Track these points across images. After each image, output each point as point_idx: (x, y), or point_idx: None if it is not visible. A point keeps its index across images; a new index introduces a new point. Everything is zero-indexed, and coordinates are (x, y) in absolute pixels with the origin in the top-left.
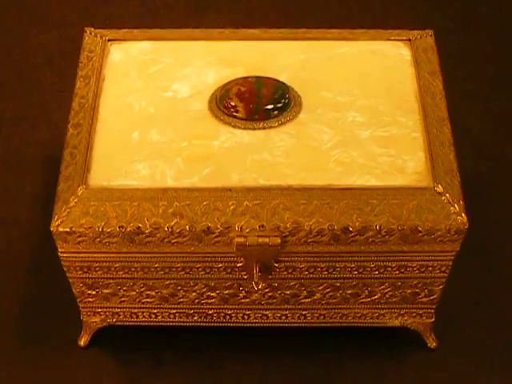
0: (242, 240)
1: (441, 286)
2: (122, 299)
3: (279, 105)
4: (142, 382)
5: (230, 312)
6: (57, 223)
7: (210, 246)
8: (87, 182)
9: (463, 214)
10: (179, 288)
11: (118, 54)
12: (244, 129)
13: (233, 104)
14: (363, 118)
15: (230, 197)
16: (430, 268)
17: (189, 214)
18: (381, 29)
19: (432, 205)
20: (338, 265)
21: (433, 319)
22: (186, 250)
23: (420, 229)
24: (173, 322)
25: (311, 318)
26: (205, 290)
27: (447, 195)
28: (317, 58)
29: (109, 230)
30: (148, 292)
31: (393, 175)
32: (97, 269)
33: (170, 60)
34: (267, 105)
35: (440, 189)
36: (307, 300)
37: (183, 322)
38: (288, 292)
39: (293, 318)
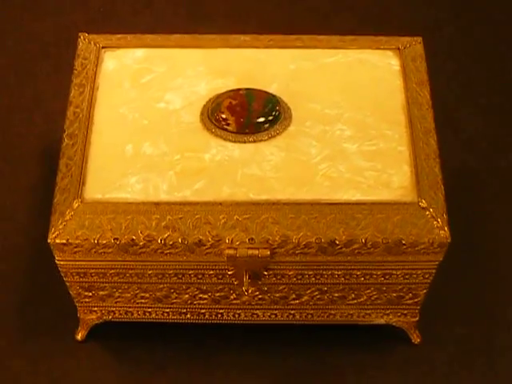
0: (232, 252)
1: (425, 290)
2: (118, 300)
3: (269, 118)
4: (138, 375)
5: (221, 311)
6: (54, 235)
7: (202, 256)
8: (82, 195)
9: (446, 228)
10: (172, 291)
11: (112, 63)
12: (235, 142)
13: (224, 117)
14: (351, 131)
15: (220, 211)
16: (414, 275)
17: (181, 227)
18: (370, 34)
19: (416, 219)
20: (325, 272)
21: (417, 318)
22: (179, 259)
23: (404, 242)
24: (166, 319)
25: (299, 317)
26: (197, 292)
27: (431, 210)
28: (306, 67)
29: (104, 241)
30: (142, 294)
31: (378, 190)
32: (93, 274)
33: (163, 69)
34: (257, 118)
35: (424, 204)
36: (296, 301)
37: (176, 320)
38: (277, 295)
39: (282, 317)
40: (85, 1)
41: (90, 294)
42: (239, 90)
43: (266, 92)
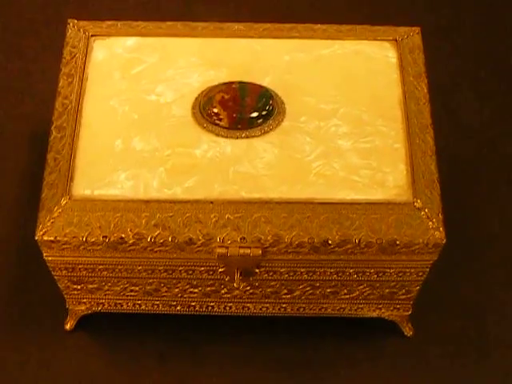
0: (223, 251)
1: (418, 287)
2: (107, 292)
3: (263, 113)
4: (127, 365)
5: (212, 304)
6: (41, 232)
7: (192, 253)
8: (71, 191)
9: (441, 229)
10: (162, 285)
11: (102, 52)
12: (227, 137)
13: (216, 112)
14: (346, 127)
15: (211, 209)
16: (408, 273)
17: (171, 225)
18: (367, 24)
19: (411, 219)
20: (317, 270)
21: (410, 311)
22: (169, 256)
23: (398, 242)
24: (156, 311)
25: (291, 310)
26: (187, 286)
27: (426, 210)
28: (302, 59)
29: (92, 239)
30: (132, 287)
31: (373, 189)
32: (81, 269)
33: (154, 59)
34: (250, 113)
35: (419, 204)
36: (287, 296)
37: (167, 311)
38: (269, 290)
39: (273, 310)
40: None
41: (79, 287)
42: (232, 83)
43: (259, 86)
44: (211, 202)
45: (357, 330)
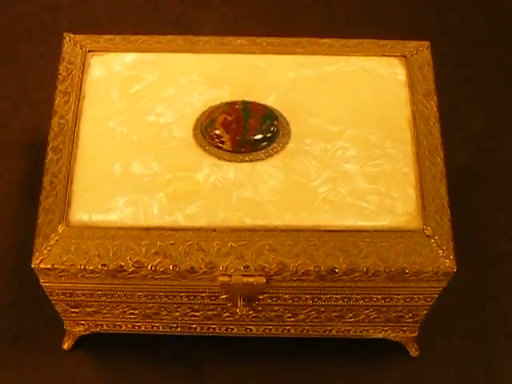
0: (226, 279)
1: (425, 311)
2: (106, 315)
3: (267, 135)
4: None
5: (213, 326)
6: (38, 260)
7: (194, 281)
8: (68, 217)
9: (451, 257)
10: (162, 309)
11: (99, 69)
12: (230, 161)
13: (219, 134)
14: (353, 150)
15: (214, 237)
16: (416, 299)
17: (172, 253)
18: (375, 38)
19: (420, 247)
20: (323, 296)
21: (416, 333)
22: (170, 283)
23: (407, 271)
24: (156, 332)
25: (294, 332)
26: (188, 310)
27: (436, 237)
28: (306, 76)
29: (91, 267)
30: (131, 311)
31: (382, 216)
32: (79, 294)
33: (153, 77)
34: (254, 135)
35: (429, 231)
36: (291, 319)
37: (167, 333)
38: (272, 314)
39: (276, 331)
40: None
41: (77, 310)
42: (235, 103)
43: (263, 106)
44: (214, 230)
45: (361, 349)
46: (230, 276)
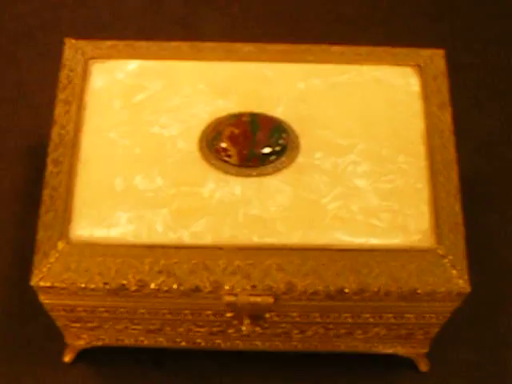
0: (232, 299)
1: (437, 329)
2: (108, 330)
3: (276, 149)
4: None
5: (218, 341)
6: (37, 278)
7: (199, 299)
8: (68, 234)
9: (465, 277)
10: (166, 325)
11: (101, 77)
12: (237, 176)
13: (225, 148)
14: (365, 164)
15: (220, 255)
16: (428, 317)
17: (176, 272)
18: (387, 44)
19: (433, 267)
20: (331, 314)
21: (427, 349)
22: (174, 301)
23: (419, 291)
24: (160, 346)
25: (302, 347)
26: (193, 326)
27: (450, 257)
28: (317, 86)
29: (92, 286)
30: (134, 326)
31: (394, 234)
32: (80, 310)
33: (157, 86)
34: (262, 149)
35: (442, 250)
36: (299, 336)
37: (171, 347)
38: (279, 330)
39: (283, 347)
40: None
41: (78, 325)
42: (242, 115)
43: (271, 118)
44: (220, 248)
45: (370, 363)
46: (236, 295)
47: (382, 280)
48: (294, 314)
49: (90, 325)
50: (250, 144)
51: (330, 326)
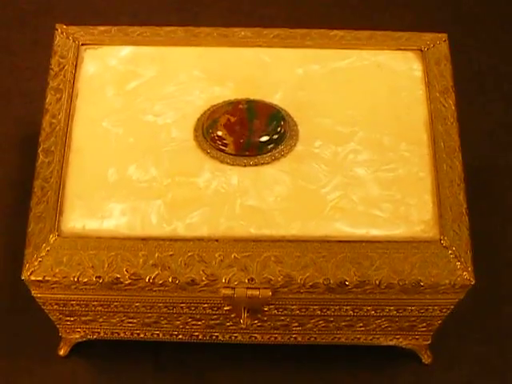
0: (229, 292)
1: (440, 321)
2: (102, 324)
3: (273, 137)
4: None
5: (216, 334)
6: (28, 272)
7: (195, 293)
8: (60, 226)
9: (470, 269)
10: (162, 318)
11: (93, 64)
12: (233, 165)
13: (221, 136)
14: (365, 153)
15: (216, 248)
16: (431, 309)
17: (171, 265)
18: (388, 29)
19: (437, 259)
20: (332, 307)
21: (429, 341)
22: (169, 295)
23: (422, 283)
24: (156, 339)
25: (302, 339)
26: (189, 320)
27: (454, 248)
28: (316, 72)
29: (85, 279)
30: (129, 320)
31: (396, 224)
32: (73, 304)
33: (151, 73)
34: (260, 137)
35: (446, 241)
36: (298, 328)
37: (167, 340)
38: (278, 323)
39: (282, 339)
40: None
41: (72, 318)
42: (239, 103)
43: (269, 105)
44: (216, 240)
45: (372, 355)
46: (233, 289)
47: (383, 272)
48: (294, 307)
49: (84, 318)
50: (247, 132)
51: (331, 319)
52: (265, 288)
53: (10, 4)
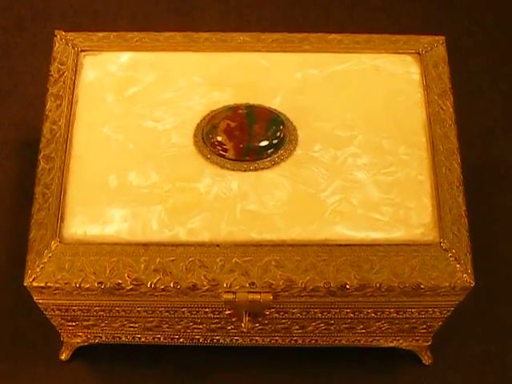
0: (230, 296)
1: (440, 323)
2: (104, 328)
3: (273, 142)
4: None
5: (217, 337)
6: (30, 279)
7: (197, 297)
8: (61, 233)
9: (469, 271)
10: (163, 323)
11: (93, 70)
12: (233, 170)
13: (221, 141)
14: (365, 156)
15: (217, 253)
16: (431, 311)
17: (173, 270)
18: (386, 32)
19: (437, 261)
20: (332, 310)
21: (430, 342)
22: (171, 299)
23: (422, 286)
24: (157, 343)
25: (303, 342)
26: (191, 324)
27: (453, 251)
28: (314, 76)
29: (87, 285)
30: (131, 324)
31: (395, 228)
32: (75, 310)
33: (151, 78)
34: (259, 142)
35: (446, 244)
36: (299, 331)
37: (168, 343)
38: (279, 326)
39: (283, 342)
40: None
41: (74, 323)
42: (238, 108)
43: (268, 110)
44: (217, 245)
45: (372, 356)
46: (234, 293)
47: (383, 275)
48: (294, 311)
49: (85, 323)
50: (247, 137)
51: (331, 322)
52: (266, 292)
53: (9, 9)
